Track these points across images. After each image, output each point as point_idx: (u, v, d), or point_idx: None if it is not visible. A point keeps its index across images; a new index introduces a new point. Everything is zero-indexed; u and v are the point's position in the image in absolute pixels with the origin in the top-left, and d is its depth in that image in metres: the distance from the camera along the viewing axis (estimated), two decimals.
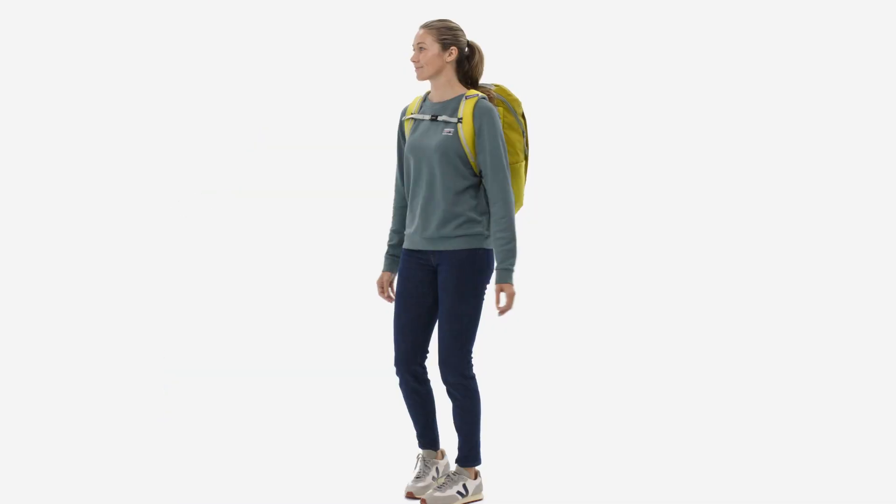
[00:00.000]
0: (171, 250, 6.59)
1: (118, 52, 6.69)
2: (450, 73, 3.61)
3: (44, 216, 6.56)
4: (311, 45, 6.71)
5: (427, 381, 3.74)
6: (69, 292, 6.31)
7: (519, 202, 3.68)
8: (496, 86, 3.66)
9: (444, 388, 3.66)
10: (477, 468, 3.73)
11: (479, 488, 3.70)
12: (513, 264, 3.53)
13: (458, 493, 3.65)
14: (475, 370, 3.64)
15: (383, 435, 4.40)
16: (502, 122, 3.58)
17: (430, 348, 3.73)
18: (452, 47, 3.58)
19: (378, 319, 4.03)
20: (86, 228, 6.58)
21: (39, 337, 5.86)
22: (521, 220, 3.70)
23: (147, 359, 5.64)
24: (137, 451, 4.26)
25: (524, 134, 3.64)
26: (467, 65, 3.63)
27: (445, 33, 3.59)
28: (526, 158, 3.67)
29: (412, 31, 3.67)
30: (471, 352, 3.63)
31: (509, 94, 3.63)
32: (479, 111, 3.52)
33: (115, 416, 4.73)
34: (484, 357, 5.66)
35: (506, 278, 3.52)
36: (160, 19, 6.72)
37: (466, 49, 3.63)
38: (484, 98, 3.56)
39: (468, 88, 3.62)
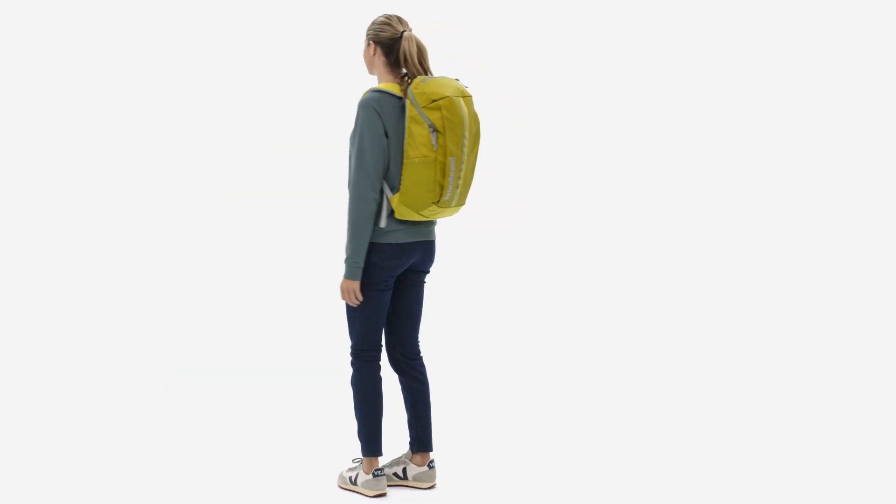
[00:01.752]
0: (172, 250, 6.59)
1: (118, 52, 6.70)
2: (379, 68, 3.64)
3: (44, 216, 6.57)
4: (311, 46, 6.72)
5: (408, 375, 3.85)
6: (69, 292, 6.32)
7: (422, 197, 3.54)
8: (419, 78, 3.55)
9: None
10: (373, 461, 3.75)
11: (367, 484, 3.74)
12: (348, 258, 3.56)
13: (349, 478, 3.80)
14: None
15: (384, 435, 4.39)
16: (407, 115, 3.51)
17: (417, 340, 3.88)
18: (370, 42, 3.62)
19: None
20: (86, 228, 6.58)
21: (40, 337, 5.86)
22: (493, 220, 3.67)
23: (147, 359, 5.64)
24: (137, 451, 4.25)
25: (437, 129, 3.48)
26: (396, 58, 3.60)
27: (368, 29, 3.65)
28: (449, 154, 3.51)
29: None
30: (355, 345, 3.72)
31: (417, 87, 3.50)
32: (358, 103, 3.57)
33: (115, 416, 4.73)
34: (477, 352, 5.68)
35: (344, 271, 3.59)
36: (160, 19, 6.72)
37: (400, 43, 3.58)
38: (374, 91, 3.55)
39: (397, 81, 3.61)
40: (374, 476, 3.75)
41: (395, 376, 3.90)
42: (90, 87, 6.69)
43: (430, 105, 3.49)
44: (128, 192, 6.69)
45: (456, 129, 3.50)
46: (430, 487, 3.84)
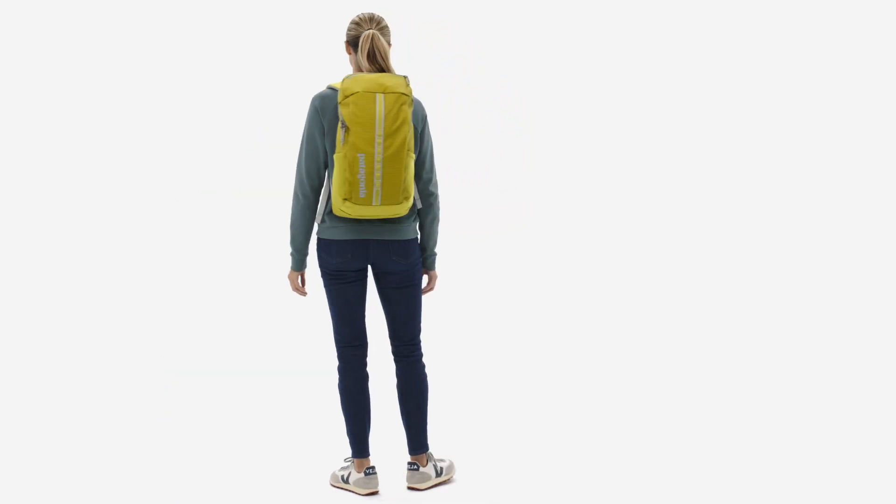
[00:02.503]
0: (172, 250, 6.59)
1: (118, 52, 6.69)
2: (352, 66, 3.70)
3: (44, 216, 6.57)
4: (311, 45, 6.71)
5: (405, 371, 3.86)
6: (69, 292, 6.32)
7: (337, 194, 3.52)
8: (348, 74, 3.59)
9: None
10: (363, 461, 3.77)
11: (359, 483, 3.75)
12: (291, 251, 3.76)
13: (342, 476, 3.81)
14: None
15: (383, 434, 4.39)
16: None
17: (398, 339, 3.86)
18: (345, 41, 3.68)
19: (375, 318, 4.05)
20: (86, 228, 6.58)
21: (40, 337, 5.86)
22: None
23: (147, 359, 5.64)
24: (138, 450, 4.26)
25: (346, 125, 3.47)
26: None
27: None
28: (357, 151, 3.47)
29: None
30: (335, 341, 3.80)
31: (342, 82, 3.51)
32: None
33: (115, 416, 4.73)
34: (478, 352, 5.67)
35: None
36: (160, 19, 6.72)
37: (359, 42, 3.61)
38: (326, 88, 3.61)
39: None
40: (366, 474, 3.75)
41: (387, 376, 3.90)
42: (90, 88, 6.69)
43: (343, 101, 3.48)
44: (128, 191, 6.69)
45: (365, 125, 3.46)
46: (410, 488, 3.82)
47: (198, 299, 6.37)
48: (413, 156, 3.55)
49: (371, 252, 3.66)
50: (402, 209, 3.55)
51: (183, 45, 6.73)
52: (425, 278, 3.87)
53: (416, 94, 3.75)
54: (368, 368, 3.85)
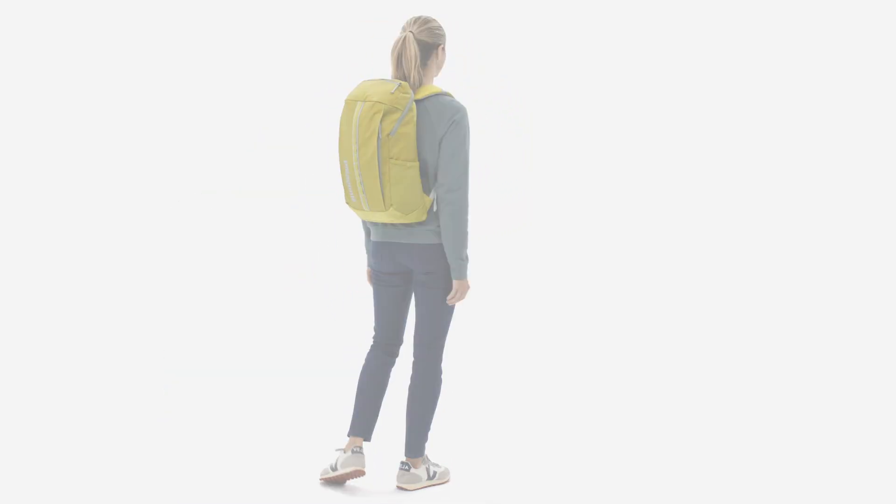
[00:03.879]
0: (172, 250, 6.59)
1: (118, 52, 6.70)
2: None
3: (44, 216, 6.57)
4: (311, 45, 6.72)
5: (415, 372, 3.88)
6: (69, 292, 6.32)
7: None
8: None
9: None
10: (353, 440, 3.81)
11: (346, 463, 3.78)
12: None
13: (331, 466, 3.80)
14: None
15: (383, 434, 4.40)
16: None
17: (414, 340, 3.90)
18: None
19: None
20: (86, 228, 6.58)
21: (40, 337, 5.86)
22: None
23: (147, 359, 5.64)
24: (137, 451, 4.25)
25: (341, 133, 3.60)
26: None
27: None
28: (342, 157, 3.60)
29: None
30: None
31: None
32: None
33: (115, 416, 4.73)
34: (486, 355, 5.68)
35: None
36: (160, 19, 6.73)
37: None
38: None
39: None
40: (353, 453, 3.74)
41: (405, 373, 3.91)
42: (91, 88, 6.69)
43: (348, 109, 3.59)
44: (128, 192, 6.69)
45: (345, 133, 3.57)
46: (399, 488, 3.82)
47: (198, 299, 6.37)
48: (406, 164, 3.55)
49: (395, 255, 3.72)
50: (392, 215, 3.58)
51: (183, 45, 6.74)
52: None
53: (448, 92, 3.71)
54: (398, 368, 3.90)
